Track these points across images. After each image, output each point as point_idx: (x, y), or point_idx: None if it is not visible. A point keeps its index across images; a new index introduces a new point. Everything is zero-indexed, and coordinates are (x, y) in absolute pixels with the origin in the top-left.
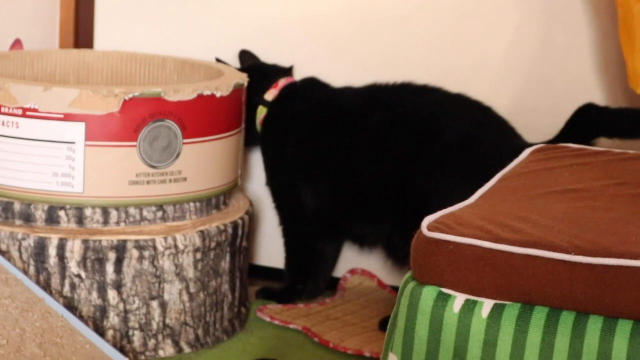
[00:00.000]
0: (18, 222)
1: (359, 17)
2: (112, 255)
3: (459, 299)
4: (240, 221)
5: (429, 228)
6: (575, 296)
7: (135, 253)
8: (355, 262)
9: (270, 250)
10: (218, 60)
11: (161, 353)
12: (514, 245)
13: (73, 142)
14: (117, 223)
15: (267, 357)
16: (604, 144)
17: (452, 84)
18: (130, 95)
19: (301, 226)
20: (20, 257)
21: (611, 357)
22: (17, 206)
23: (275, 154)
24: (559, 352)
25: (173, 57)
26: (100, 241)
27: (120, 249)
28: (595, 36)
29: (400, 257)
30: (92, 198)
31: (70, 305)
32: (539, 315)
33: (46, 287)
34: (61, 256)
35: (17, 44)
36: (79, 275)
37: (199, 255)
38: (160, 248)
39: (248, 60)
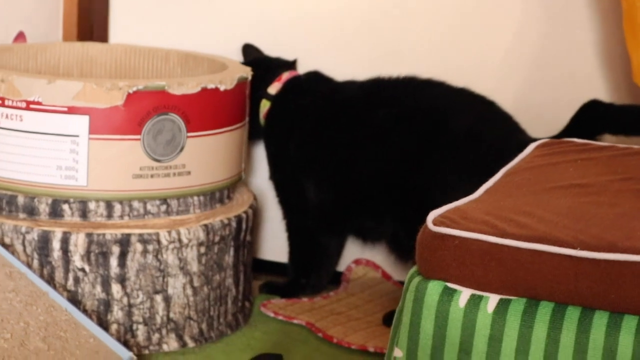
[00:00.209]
0: (22, 215)
1: (363, 11)
2: (116, 249)
3: (464, 294)
4: (244, 215)
5: (435, 223)
6: (580, 291)
7: (139, 247)
8: (359, 256)
9: (274, 244)
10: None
11: (165, 347)
12: (520, 240)
13: (77, 136)
14: (121, 217)
15: (271, 351)
16: (608, 141)
17: (456, 79)
18: (134, 89)
19: (304, 221)
20: (24, 250)
21: (617, 352)
22: (20, 199)
23: (279, 148)
24: (564, 347)
25: (177, 50)
26: (104, 235)
27: (124, 242)
28: (599, 32)
29: (404, 252)
30: (96, 191)
31: (74, 299)
32: (545, 310)
33: (50, 280)
34: (65, 250)
35: (20, 36)
36: (82, 269)
37: (202, 249)
38: (164, 242)
39: (252, 55)
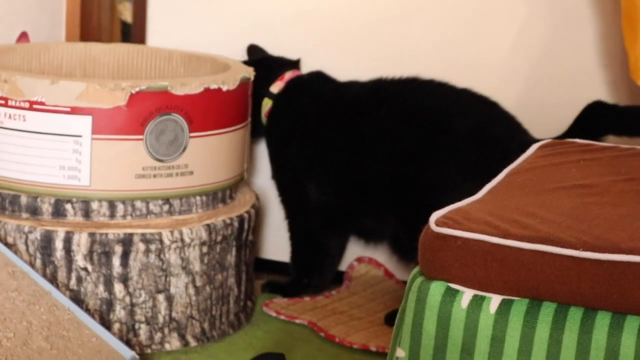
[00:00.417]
0: (25, 215)
1: (366, 11)
2: (118, 249)
3: (467, 295)
4: (246, 215)
5: (437, 223)
6: (583, 292)
7: (141, 246)
8: (360, 255)
9: (276, 244)
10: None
11: (167, 346)
12: (522, 241)
13: (80, 136)
14: (124, 216)
15: (273, 351)
16: (611, 142)
17: (459, 79)
18: (137, 89)
19: (306, 220)
20: (27, 250)
21: (619, 353)
22: (23, 199)
23: (281, 148)
24: (567, 348)
25: (179, 50)
26: (106, 234)
27: (127, 242)
28: (601, 32)
29: (407, 253)
30: (98, 191)
31: (77, 299)
32: (547, 311)
33: (53, 280)
34: (68, 249)
35: (23, 37)
36: (85, 269)
37: (205, 249)
38: (166, 242)
39: (256, 55)
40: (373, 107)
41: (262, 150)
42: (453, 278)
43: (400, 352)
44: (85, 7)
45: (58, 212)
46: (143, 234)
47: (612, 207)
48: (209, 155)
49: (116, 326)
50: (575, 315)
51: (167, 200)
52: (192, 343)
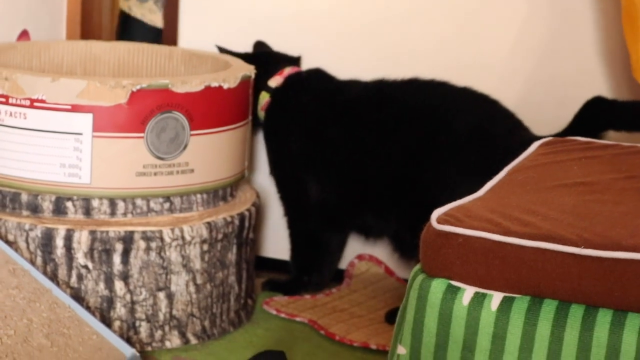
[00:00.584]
0: (25, 212)
1: (367, 10)
2: (119, 247)
3: (468, 292)
4: (247, 213)
5: (439, 221)
6: (584, 289)
7: (142, 244)
8: (361, 252)
9: (277, 242)
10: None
11: (168, 344)
12: (524, 239)
13: (80, 133)
14: (124, 214)
15: (274, 349)
16: (611, 138)
17: (459, 78)
18: (138, 87)
19: (306, 218)
20: (28, 247)
21: (620, 350)
22: (24, 197)
23: (279, 144)
24: (568, 345)
25: (180, 48)
26: (107, 232)
27: (128, 240)
28: (601, 30)
29: (408, 250)
30: (99, 189)
31: (77, 296)
32: (549, 308)
33: (53, 277)
34: (68, 247)
35: (24, 35)
36: (86, 266)
37: (205, 247)
38: (167, 239)
39: (261, 50)
40: (375, 106)
41: (262, 149)
42: (454, 275)
43: (402, 350)
44: (86, 6)
45: (59, 209)
46: (144, 232)
47: (613, 204)
48: (209, 153)
49: (117, 324)
50: (576, 312)
51: (167, 198)
52: (193, 341)
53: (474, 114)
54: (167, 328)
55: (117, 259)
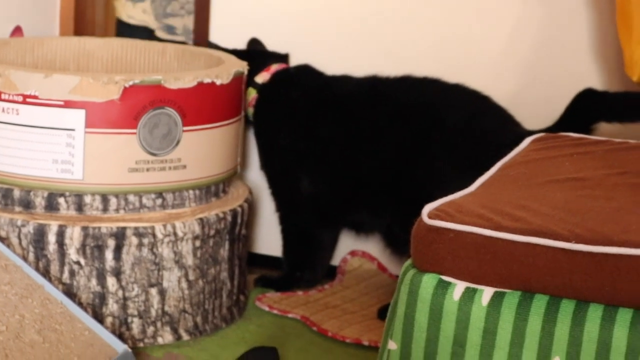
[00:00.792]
0: (18, 208)
1: (360, 7)
2: (111, 243)
3: (459, 287)
4: (239, 209)
5: (430, 216)
6: (575, 284)
7: (134, 240)
8: (353, 248)
9: (269, 238)
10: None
11: (160, 340)
12: (515, 234)
13: (73, 129)
14: (117, 210)
15: (266, 345)
16: (604, 129)
17: (452, 75)
18: (131, 83)
19: (298, 213)
20: (20, 243)
21: (611, 345)
22: (16, 193)
23: (269, 140)
24: (559, 340)
25: (173, 44)
26: (99, 228)
27: (120, 236)
28: (594, 28)
29: (400, 246)
30: (91, 185)
31: (70, 292)
32: (539, 303)
33: (45, 273)
34: (60, 243)
35: (17, 31)
36: (78, 262)
37: (198, 243)
38: (159, 235)
39: (254, 47)
40: (368, 102)
41: (255, 144)
42: (445, 270)
43: (392, 345)
44: (79, 2)
45: (51, 205)
46: (136, 228)
47: (604, 200)
48: (202, 149)
49: (109, 320)
50: (567, 307)
51: (160, 194)
52: (185, 337)
53: (466, 110)
54: (159, 324)
55: (109, 255)
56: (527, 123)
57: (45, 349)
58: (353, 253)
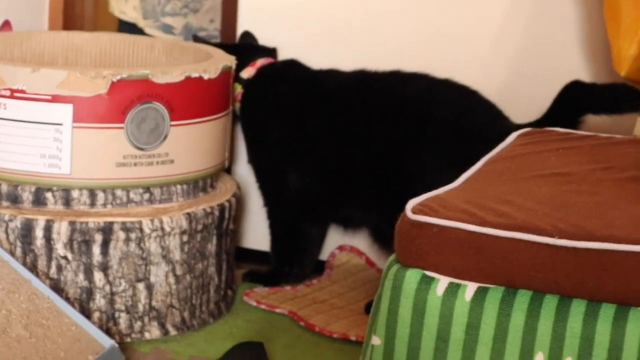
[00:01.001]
0: (5, 203)
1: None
2: (98, 237)
3: (442, 282)
4: (227, 204)
5: (413, 211)
6: (558, 280)
7: (121, 235)
8: (341, 243)
9: (257, 233)
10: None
11: (147, 335)
12: (498, 229)
13: (60, 124)
14: (104, 205)
15: (253, 340)
16: (591, 122)
17: (442, 70)
18: (118, 77)
19: (285, 208)
20: (7, 238)
21: (594, 340)
22: (4, 187)
23: (257, 135)
24: (542, 335)
25: (162, 39)
26: (87, 223)
27: (107, 231)
28: (583, 24)
29: (387, 241)
30: (79, 180)
31: (57, 287)
32: (523, 298)
33: (33, 268)
34: (48, 238)
35: (6, 25)
36: (65, 257)
37: (185, 238)
38: (146, 230)
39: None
40: (357, 96)
41: (243, 139)
42: (429, 266)
43: (376, 340)
44: None
45: (38, 200)
46: (123, 223)
47: (589, 195)
48: (189, 144)
49: (96, 315)
50: (550, 303)
51: (147, 188)
52: (172, 332)
53: (455, 105)
54: (146, 319)
55: (96, 249)
56: (516, 118)
57: (32, 344)
58: (341, 248)
